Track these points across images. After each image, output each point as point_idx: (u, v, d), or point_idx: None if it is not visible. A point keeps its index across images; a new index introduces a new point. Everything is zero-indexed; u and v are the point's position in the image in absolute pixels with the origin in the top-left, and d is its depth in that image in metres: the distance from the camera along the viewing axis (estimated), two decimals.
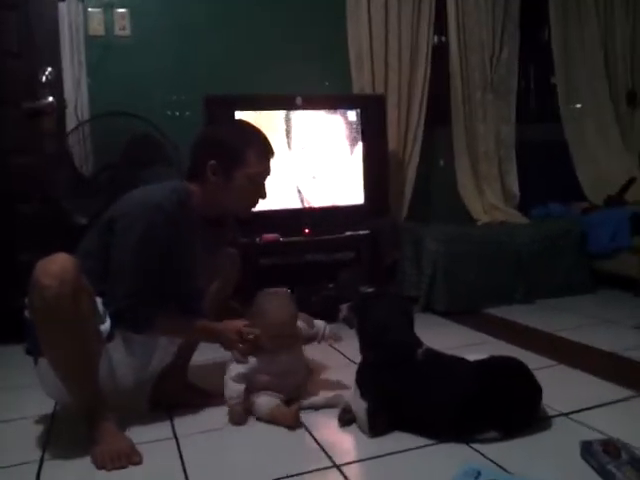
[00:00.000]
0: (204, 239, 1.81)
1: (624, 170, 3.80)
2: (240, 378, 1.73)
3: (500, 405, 1.52)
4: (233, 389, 1.72)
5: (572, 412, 1.68)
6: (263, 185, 1.82)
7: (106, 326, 1.62)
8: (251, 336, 1.76)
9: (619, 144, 3.93)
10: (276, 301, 1.82)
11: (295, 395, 1.82)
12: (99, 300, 1.64)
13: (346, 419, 1.67)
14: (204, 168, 1.75)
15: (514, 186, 3.80)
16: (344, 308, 1.84)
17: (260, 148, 1.79)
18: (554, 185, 3.81)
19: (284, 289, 1.92)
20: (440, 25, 3.66)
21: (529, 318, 2.79)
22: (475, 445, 1.50)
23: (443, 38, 3.73)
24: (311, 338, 1.93)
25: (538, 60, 4.02)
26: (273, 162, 1.84)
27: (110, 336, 1.64)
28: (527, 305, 3.08)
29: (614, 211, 3.34)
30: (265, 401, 1.74)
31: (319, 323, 1.96)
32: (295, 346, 1.85)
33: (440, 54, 3.69)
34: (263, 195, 1.83)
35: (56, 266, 1.47)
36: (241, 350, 1.77)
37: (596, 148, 3.93)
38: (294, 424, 1.67)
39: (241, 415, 1.73)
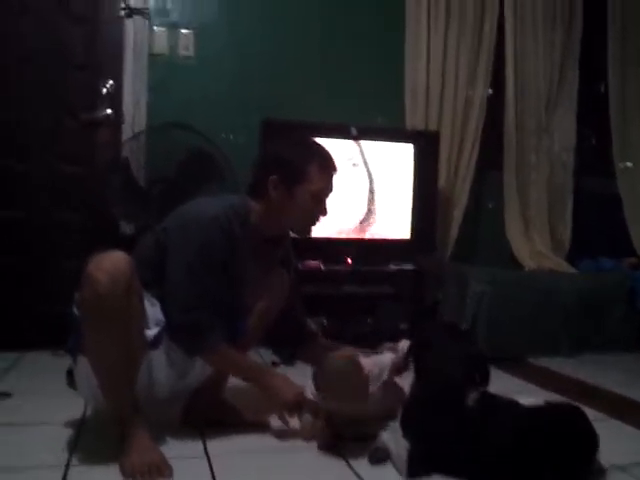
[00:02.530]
0: (258, 257, 1.78)
1: None
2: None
3: (555, 453, 1.42)
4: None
5: (629, 465, 1.59)
6: (325, 202, 1.78)
7: (152, 332, 1.59)
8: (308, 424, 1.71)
9: None
10: (344, 378, 1.65)
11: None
12: (151, 305, 1.62)
13: (377, 457, 1.57)
14: (265, 184, 1.73)
15: (565, 235, 3.72)
16: (404, 345, 1.76)
17: (323, 164, 1.76)
18: (604, 238, 3.71)
19: (353, 353, 1.77)
20: (498, 67, 3.63)
21: (575, 371, 2.69)
22: None
23: (499, 83, 3.70)
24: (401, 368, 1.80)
25: (594, 113, 3.96)
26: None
27: (154, 343, 1.60)
28: (571, 358, 2.96)
29: None
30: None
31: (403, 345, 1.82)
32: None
33: (496, 96, 3.67)
34: (324, 212, 1.79)
35: (110, 262, 1.45)
36: (284, 417, 1.72)
37: None
38: (303, 435, 1.69)
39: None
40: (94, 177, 2.89)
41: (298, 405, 1.67)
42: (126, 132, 2.97)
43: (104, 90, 2.88)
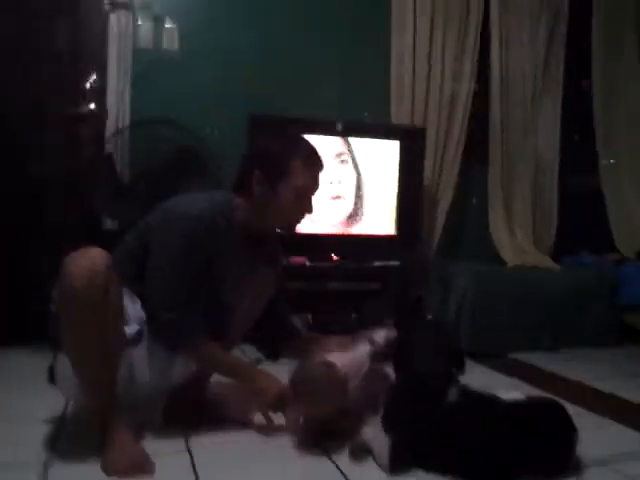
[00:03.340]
0: (244, 254, 1.76)
1: None
2: None
3: (535, 447, 1.44)
4: None
5: (608, 461, 1.61)
6: (310, 199, 1.76)
7: (132, 329, 1.58)
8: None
9: None
10: (319, 386, 1.60)
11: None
12: (132, 302, 1.61)
13: (358, 453, 1.58)
14: (250, 179, 1.71)
15: (549, 232, 3.76)
16: (380, 334, 1.77)
17: (307, 159, 1.74)
18: (586, 234, 3.75)
19: (330, 362, 1.70)
20: (483, 64, 3.65)
21: (556, 365, 2.72)
22: None
23: (486, 77, 3.71)
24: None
25: (579, 109, 3.99)
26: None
27: (134, 340, 1.60)
28: (553, 353, 2.99)
29: None
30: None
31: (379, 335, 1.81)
32: None
33: (481, 91, 3.69)
34: (310, 210, 1.77)
35: (87, 258, 1.44)
36: (267, 414, 1.72)
37: (631, 200, 3.86)
38: (289, 431, 1.70)
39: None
40: (78, 173, 2.87)
41: (282, 402, 1.67)
42: (110, 128, 2.94)
43: (88, 85, 2.86)
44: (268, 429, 1.73)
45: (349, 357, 1.74)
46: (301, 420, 1.70)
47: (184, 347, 1.64)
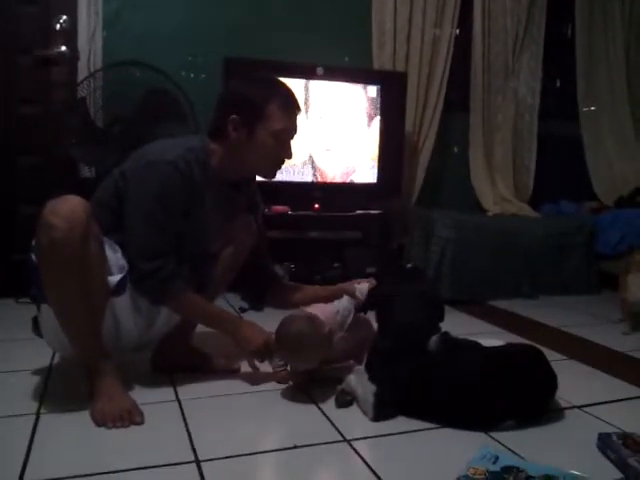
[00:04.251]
0: (221, 201, 1.73)
1: (637, 172, 3.77)
2: None
3: (516, 392, 1.48)
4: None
5: (585, 405, 1.65)
6: (288, 144, 1.71)
7: (115, 279, 1.55)
8: (280, 368, 1.71)
9: (634, 146, 3.89)
10: (303, 341, 1.60)
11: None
12: (113, 251, 1.58)
13: (343, 401, 1.60)
14: (225, 124, 1.65)
15: (528, 179, 3.76)
16: (363, 289, 1.77)
17: (285, 102, 1.67)
18: (565, 182, 3.78)
19: (315, 316, 1.70)
20: (465, 8, 3.57)
21: (535, 312, 2.77)
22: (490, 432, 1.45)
23: (467, 22, 3.64)
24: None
25: (560, 56, 3.95)
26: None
27: (117, 290, 1.56)
28: (532, 300, 3.06)
29: (625, 212, 3.31)
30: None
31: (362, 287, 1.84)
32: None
33: (463, 37, 3.62)
34: (288, 155, 1.72)
35: (66, 207, 1.40)
36: (253, 363, 1.73)
37: (611, 149, 3.90)
38: (276, 379, 1.73)
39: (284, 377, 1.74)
40: (50, 118, 2.77)
41: (268, 351, 1.67)
42: (82, 69, 2.83)
43: (57, 26, 2.73)
44: (255, 377, 1.74)
45: (333, 309, 1.75)
46: (287, 368, 1.72)
47: (165, 298, 1.62)
